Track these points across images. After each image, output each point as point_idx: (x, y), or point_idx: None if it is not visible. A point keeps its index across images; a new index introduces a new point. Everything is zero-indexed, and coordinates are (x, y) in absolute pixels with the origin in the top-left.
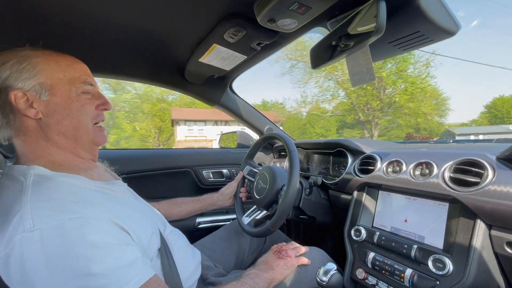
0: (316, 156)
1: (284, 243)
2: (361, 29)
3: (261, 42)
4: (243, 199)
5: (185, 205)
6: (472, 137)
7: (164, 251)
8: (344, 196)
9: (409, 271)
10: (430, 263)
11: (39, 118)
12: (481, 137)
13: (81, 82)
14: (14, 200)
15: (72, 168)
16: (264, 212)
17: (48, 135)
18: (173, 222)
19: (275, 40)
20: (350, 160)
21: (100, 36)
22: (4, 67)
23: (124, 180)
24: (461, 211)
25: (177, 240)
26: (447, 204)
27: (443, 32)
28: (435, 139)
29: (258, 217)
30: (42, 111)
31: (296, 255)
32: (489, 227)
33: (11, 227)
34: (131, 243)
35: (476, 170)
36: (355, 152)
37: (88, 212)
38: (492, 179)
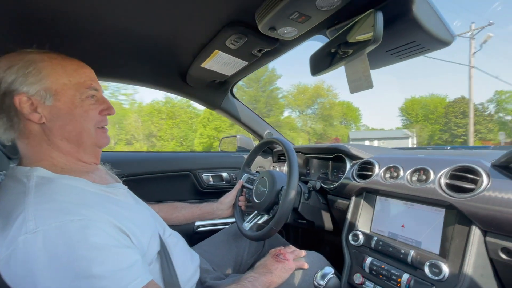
0: (315, 161)
1: (282, 247)
2: (359, 38)
3: (262, 49)
4: (243, 207)
5: (184, 211)
6: (367, 142)
7: (164, 254)
8: (342, 201)
9: (406, 276)
10: (426, 268)
11: (42, 122)
12: (375, 142)
13: (86, 87)
14: (17, 201)
15: (74, 171)
16: (266, 216)
17: (51, 139)
18: (172, 226)
19: (275, 47)
20: (348, 165)
21: (104, 40)
22: (10, 70)
23: (125, 182)
24: (457, 217)
25: (176, 244)
26: (443, 210)
27: (438, 42)
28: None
29: (259, 222)
30: (46, 116)
31: (294, 259)
32: (484, 233)
33: (14, 228)
34: (131, 246)
35: (472, 176)
36: (354, 157)
37: (90, 214)
38: (487, 186)
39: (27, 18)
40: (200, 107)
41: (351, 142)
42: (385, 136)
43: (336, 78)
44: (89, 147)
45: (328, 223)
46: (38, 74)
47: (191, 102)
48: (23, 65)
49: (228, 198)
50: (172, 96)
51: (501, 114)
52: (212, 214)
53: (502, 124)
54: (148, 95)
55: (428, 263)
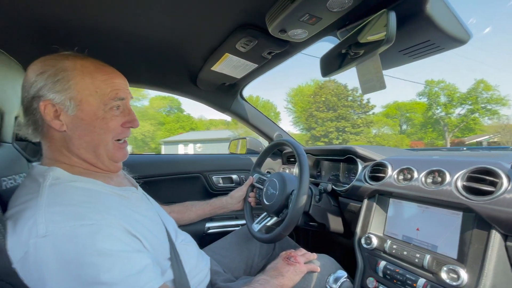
0: (325, 163)
1: (293, 250)
2: (371, 38)
3: (272, 51)
4: (252, 204)
5: (195, 208)
6: (181, 146)
7: (175, 258)
8: (354, 203)
9: (421, 281)
10: (443, 274)
11: (64, 130)
12: (190, 146)
13: (111, 98)
14: (30, 202)
15: (91, 174)
16: (275, 219)
17: (69, 146)
18: (183, 227)
19: (285, 49)
20: (360, 167)
21: (116, 44)
22: (41, 76)
23: (140, 185)
24: (475, 220)
25: (188, 247)
26: (460, 213)
27: (454, 40)
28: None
29: (268, 223)
30: (67, 125)
31: (305, 262)
32: (505, 237)
33: (26, 229)
34: (142, 250)
35: (490, 178)
36: (365, 159)
37: (101, 218)
38: (507, 188)
39: (36, 25)
40: None
41: (163, 148)
42: (209, 138)
43: None
44: (105, 159)
45: (339, 226)
46: (67, 83)
47: None
48: (53, 72)
49: (239, 193)
50: None
51: (438, 111)
52: (223, 209)
53: (436, 123)
54: None
55: (445, 268)
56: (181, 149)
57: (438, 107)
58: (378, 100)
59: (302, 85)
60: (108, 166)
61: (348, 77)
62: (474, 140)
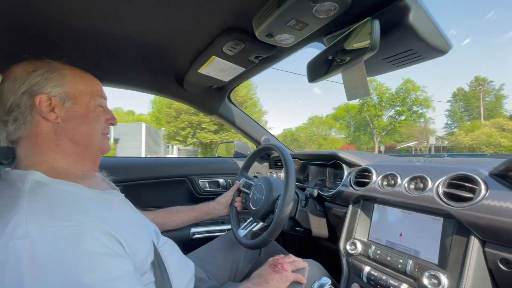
0: (312, 168)
1: (282, 255)
2: (356, 45)
3: (259, 55)
4: (239, 208)
5: (180, 214)
6: None
7: (157, 264)
8: (339, 208)
9: (404, 287)
10: (425, 279)
11: (57, 122)
12: None
13: (98, 96)
14: (9, 205)
15: (70, 176)
16: (261, 224)
17: (60, 139)
18: (167, 232)
19: (272, 54)
20: (346, 172)
21: (101, 45)
22: (35, 73)
23: (120, 188)
24: (455, 226)
25: (171, 252)
26: (441, 219)
27: (435, 50)
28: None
29: (254, 229)
30: (62, 117)
31: (293, 270)
32: (483, 243)
33: (6, 233)
34: (124, 255)
35: (469, 185)
36: (351, 165)
37: (84, 220)
38: (485, 195)
39: (22, 27)
40: None
41: None
42: None
43: None
44: (94, 151)
45: (324, 231)
46: (61, 80)
47: None
48: (48, 70)
49: (225, 198)
50: None
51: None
52: (209, 214)
53: (368, 125)
54: None
55: (426, 274)
56: None
57: (369, 109)
58: (331, 102)
59: None
60: (92, 159)
61: None
62: (405, 145)
